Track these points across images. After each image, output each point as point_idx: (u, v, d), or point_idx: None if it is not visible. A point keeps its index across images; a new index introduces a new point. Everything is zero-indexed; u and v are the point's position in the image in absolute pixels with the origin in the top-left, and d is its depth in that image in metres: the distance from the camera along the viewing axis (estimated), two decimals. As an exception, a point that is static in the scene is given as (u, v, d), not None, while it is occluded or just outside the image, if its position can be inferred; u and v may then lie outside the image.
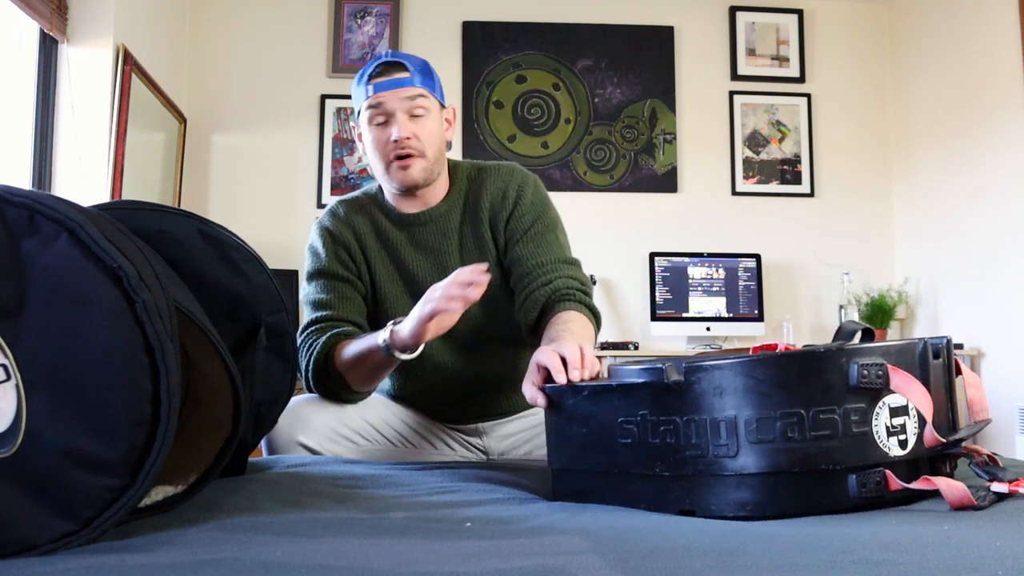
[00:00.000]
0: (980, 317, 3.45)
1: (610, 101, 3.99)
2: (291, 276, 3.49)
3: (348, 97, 3.85)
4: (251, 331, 1.12)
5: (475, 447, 1.65)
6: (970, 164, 3.49)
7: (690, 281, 3.76)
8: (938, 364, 0.91)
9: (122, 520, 0.77)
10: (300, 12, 3.92)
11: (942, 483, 0.84)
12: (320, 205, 3.83)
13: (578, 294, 1.49)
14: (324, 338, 1.48)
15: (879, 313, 3.75)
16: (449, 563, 0.67)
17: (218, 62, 3.86)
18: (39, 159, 2.82)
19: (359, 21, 3.92)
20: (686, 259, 3.79)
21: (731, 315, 3.75)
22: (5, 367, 0.73)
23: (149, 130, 3.33)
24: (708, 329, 3.71)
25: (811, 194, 4.04)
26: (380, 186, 1.63)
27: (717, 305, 3.75)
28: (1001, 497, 0.88)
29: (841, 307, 3.73)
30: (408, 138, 1.48)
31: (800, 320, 3.96)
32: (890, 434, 0.86)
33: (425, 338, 1.33)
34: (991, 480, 0.89)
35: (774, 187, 4.03)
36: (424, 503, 0.98)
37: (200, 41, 3.86)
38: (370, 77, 1.50)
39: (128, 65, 2.98)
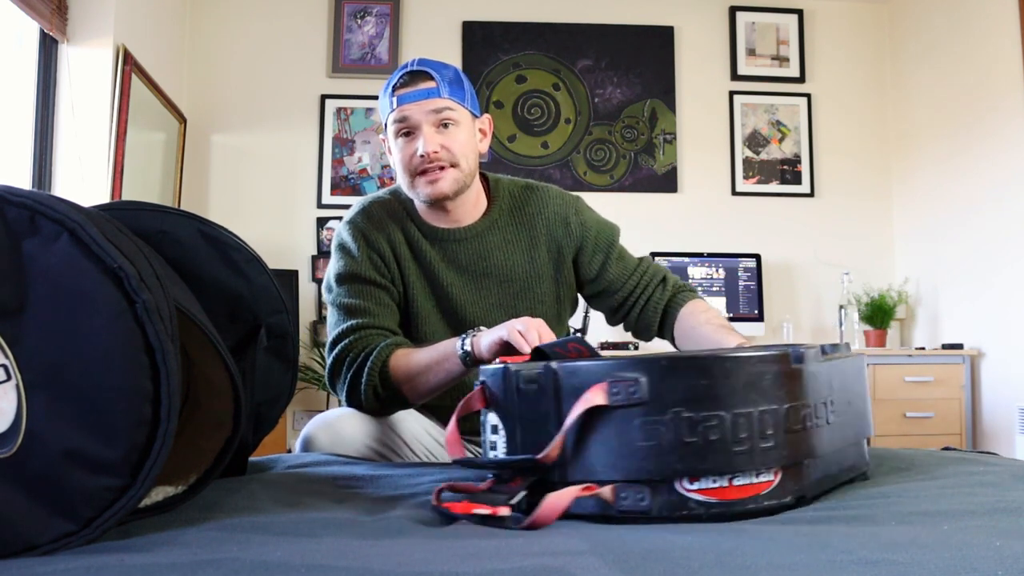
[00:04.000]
0: (980, 317, 3.45)
1: (610, 101, 3.99)
2: (291, 276, 3.49)
3: (348, 97, 3.89)
4: (252, 332, 1.12)
5: None
6: (970, 163, 3.50)
7: (690, 281, 3.77)
8: (533, 388, 0.91)
9: (122, 520, 0.77)
10: (300, 12, 3.92)
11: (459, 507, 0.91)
12: (320, 205, 3.83)
13: (678, 283, 1.63)
14: (376, 350, 1.40)
15: (879, 313, 3.75)
16: (449, 563, 0.67)
17: (218, 62, 3.86)
18: (39, 159, 2.82)
19: (359, 21, 3.92)
20: (686, 259, 3.79)
21: (731, 315, 3.75)
22: (5, 367, 0.73)
23: (149, 130, 3.33)
24: (708, 329, 3.71)
25: (811, 194, 4.05)
26: None
27: (717, 305, 3.76)
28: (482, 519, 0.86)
29: (841, 307, 3.73)
30: (435, 152, 1.41)
31: (800, 320, 3.96)
32: (490, 448, 0.97)
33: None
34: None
35: (774, 187, 4.03)
36: (424, 503, 0.98)
37: (200, 41, 3.86)
38: (394, 88, 1.43)
39: (128, 65, 2.99)
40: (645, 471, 0.84)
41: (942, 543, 0.70)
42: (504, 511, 0.86)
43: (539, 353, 0.98)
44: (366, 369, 1.40)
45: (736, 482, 0.85)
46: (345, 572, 0.65)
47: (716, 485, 0.85)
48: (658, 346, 3.81)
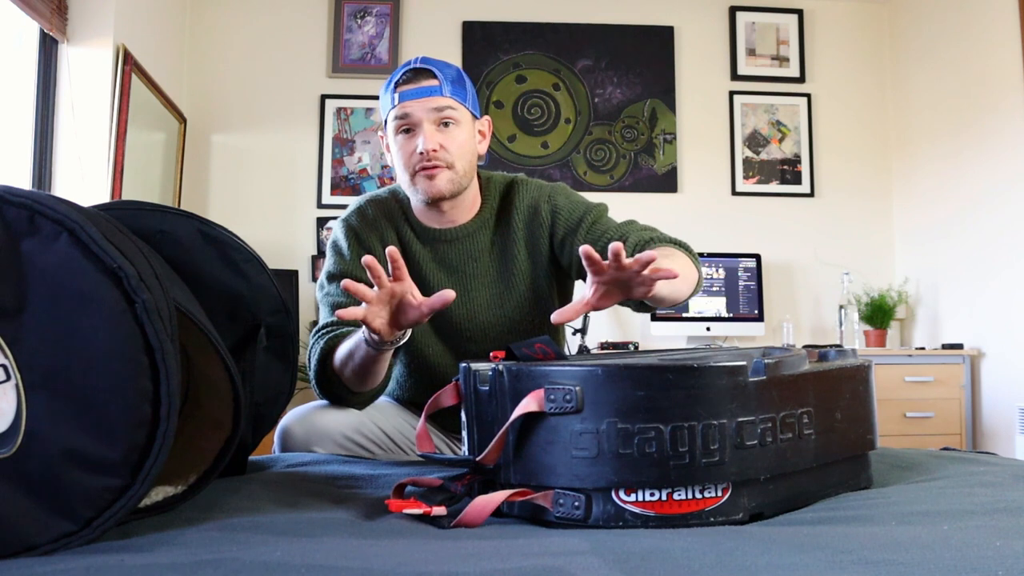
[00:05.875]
0: (980, 317, 3.45)
1: (610, 101, 3.99)
2: (291, 276, 3.49)
3: (348, 97, 3.89)
4: (251, 331, 1.12)
5: None
6: (970, 163, 3.50)
7: (690, 281, 3.75)
8: (485, 390, 0.93)
9: (122, 520, 0.77)
10: (300, 12, 3.92)
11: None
12: (320, 205, 3.83)
13: (656, 235, 1.44)
14: (324, 341, 1.42)
15: (879, 313, 3.75)
16: (449, 563, 0.67)
17: (218, 62, 3.86)
18: (39, 159, 2.82)
19: (359, 21, 3.92)
20: (686, 259, 3.78)
21: (731, 315, 3.75)
22: (5, 367, 0.73)
23: (149, 130, 3.33)
24: (708, 329, 3.72)
25: (811, 194, 4.04)
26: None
27: (717, 305, 3.76)
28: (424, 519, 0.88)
29: (841, 307, 3.73)
30: (434, 150, 1.41)
31: (800, 320, 3.96)
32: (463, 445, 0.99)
33: (398, 328, 1.23)
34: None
35: (774, 187, 4.03)
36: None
37: (200, 41, 3.86)
38: (397, 84, 1.43)
39: (128, 65, 2.98)
40: (580, 479, 0.83)
41: (942, 543, 0.70)
42: (439, 510, 0.87)
43: (510, 352, 0.98)
44: (316, 362, 1.42)
45: (676, 496, 0.83)
46: (345, 572, 0.65)
47: (654, 498, 0.83)
48: (660, 342, 3.81)
